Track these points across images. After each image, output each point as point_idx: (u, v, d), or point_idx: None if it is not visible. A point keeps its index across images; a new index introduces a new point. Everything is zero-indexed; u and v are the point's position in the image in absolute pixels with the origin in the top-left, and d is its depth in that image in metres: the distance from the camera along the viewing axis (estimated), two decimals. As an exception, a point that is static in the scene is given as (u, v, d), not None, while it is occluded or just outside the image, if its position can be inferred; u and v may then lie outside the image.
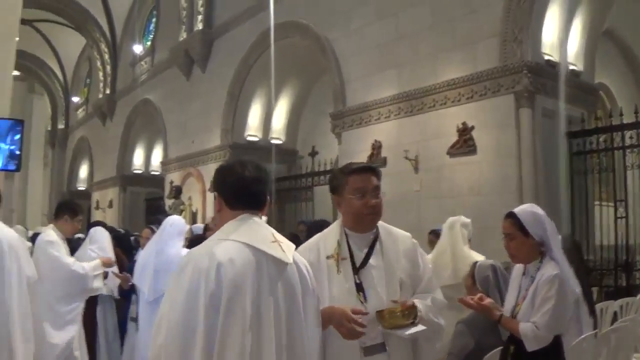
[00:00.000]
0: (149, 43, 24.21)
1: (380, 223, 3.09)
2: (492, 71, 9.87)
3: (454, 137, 10.40)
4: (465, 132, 10.21)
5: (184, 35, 19.73)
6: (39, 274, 5.00)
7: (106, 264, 5.79)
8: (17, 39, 9.14)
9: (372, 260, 2.96)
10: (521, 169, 9.43)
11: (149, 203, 23.51)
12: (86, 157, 31.31)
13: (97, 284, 5.59)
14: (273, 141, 17.03)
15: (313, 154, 15.49)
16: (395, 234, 3.09)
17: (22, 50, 23.14)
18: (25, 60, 29.70)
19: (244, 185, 2.55)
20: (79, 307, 5.55)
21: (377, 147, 12.07)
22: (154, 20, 24.05)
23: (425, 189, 10.93)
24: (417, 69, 11.36)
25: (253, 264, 2.34)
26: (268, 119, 17.03)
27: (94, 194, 28.68)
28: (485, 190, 9.86)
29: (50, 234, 5.54)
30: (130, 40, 25.16)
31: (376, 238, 3.04)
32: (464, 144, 10.21)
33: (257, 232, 2.47)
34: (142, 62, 24.27)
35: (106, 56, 27.09)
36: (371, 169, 3.12)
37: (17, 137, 8.86)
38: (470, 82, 10.23)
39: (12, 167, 9.05)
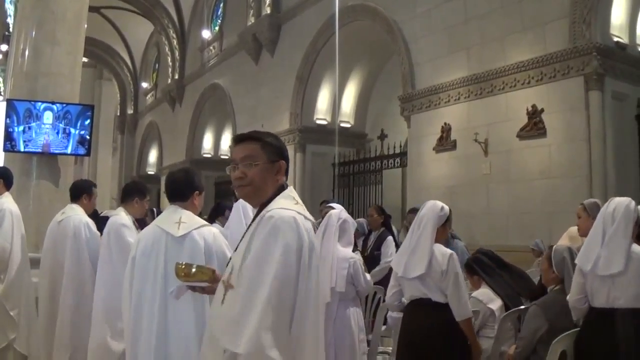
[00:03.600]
0: (217, 28, 24.82)
1: (280, 200, 2.67)
2: (561, 53, 10.06)
3: (523, 120, 10.63)
4: (534, 114, 10.43)
5: (252, 19, 20.23)
6: (111, 256, 5.29)
7: None
8: (86, 25, 9.30)
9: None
10: (591, 152, 9.61)
11: (218, 187, 24.12)
12: (155, 141, 32.29)
13: None
14: (342, 124, 17.43)
15: (382, 137, 15.83)
16: (264, 211, 2.62)
17: (91, 37, 23.91)
18: (93, 47, 30.49)
19: (167, 186, 4.09)
20: None
21: (446, 130, 12.35)
22: (221, 5, 24.71)
23: (495, 172, 11.19)
24: (486, 51, 11.59)
25: (153, 237, 3.78)
26: (337, 102, 17.38)
27: (163, 178, 29.51)
28: (554, 174, 10.08)
29: (124, 217, 5.55)
30: (198, 25, 25.90)
31: (256, 215, 2.71)
32: (534, 126, 10.43)
33: (167, 216, 3.89)
34: (211, 47, 24.92)
35: (174, 42, 27.81)
36: (238, 138, 2.81)
37: (87, 122, 8.94)
38: (539, 64, 10.44)
39: (82, 151, 9.07)
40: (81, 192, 6.40)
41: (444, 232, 5.04)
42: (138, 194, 5.81)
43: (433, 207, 4.97)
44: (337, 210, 5.97)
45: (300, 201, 2.67)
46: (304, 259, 2.48)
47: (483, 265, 5.94)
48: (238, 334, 2.33)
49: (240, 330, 2.33)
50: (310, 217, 2.62)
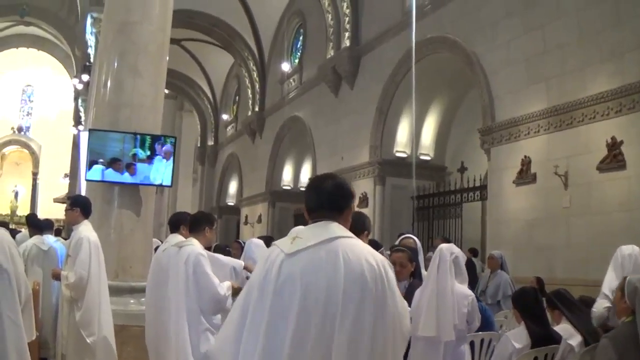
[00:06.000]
0: (297, 61, 25.75)
1: None
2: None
3: (603, 152, 10.77)
4: (614, 146, 10.58)
5: (331, 52, 20.95)
6: (187, 285, 5.68)
7: (235, 289, 6.01)
8: (167, 58, 9.51)
9: None
10: (671, 185, 9.72)
11: (297, 219, 24.51)
12: (235, 173, 33.24)
13: (229, 304, 5.89)
14: (422, 157, 17.83)
15: (462, 169, 16.15)
16: None
17: (172, 69, 24.72)
18: (174, 79, 31.62)
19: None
20: (218, 320, 5.95)
21: (526, 162, 12.54)
22: (301, 38, 25.59)
23: (575, 205, 11.32)
24: (565, 83, 11.81)
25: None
26: (416, 135, 17.76)
27: (243, 209, 30.49)
28: (635, 206, 10.18)
29: (200, 247, 5.88)
30: (278, 58, 26.83)
31: None
32: (614, 159, 10.57)
33: None
34: (291, 80, 25.79)
35: (254, 74, 28.81)
36: None
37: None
38: (618, 96, 10.60)
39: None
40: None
41: None
42: (208, 223, 6.19)
43: None
44: (448, 245, 6.08)
45: (300, 235, 3.07)
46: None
47: (564, 300, 6.04)
48: None
49: None
50: (285, 249, 3.01)
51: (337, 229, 3.02)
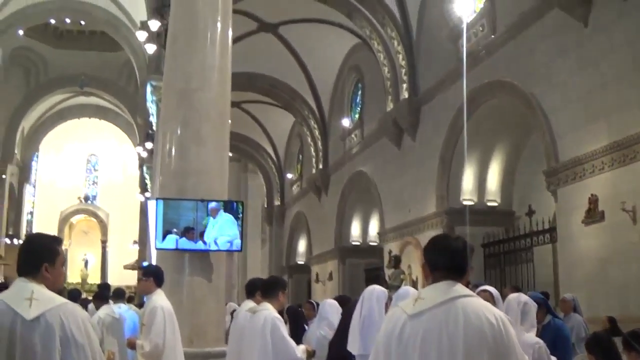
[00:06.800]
0: (356, 116, 26.29)
1: None
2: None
3: (670, 184, 10.85)
4: (679, 177, 10.69)
5: (390, 105, 21.33)
6: (266, 347, 6.01)
7: (309, 353, 6.45)
8: (230, 121, 9.78)
9: None
10: None
11: (368, 273, 24.77)
12: (304, 231, 33.81)
13: None
14: (489, 204, 17.95)
15: (530, 213, 16.18)
16: None
17: (234, 132, 25.19)
18: (237, 142, 32.09)
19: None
20: None
21: (593, 201, 12.53)
22: (359, 93, 26.20)
23: (645, 240, 11.35)
24: (624, 116, 11.88)
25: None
26: (482, 181, 17.99)
27: (313, 267, 30.95)
28: None
29: (274, 311, 6.24)
30: (338, 114, 27.54)
31: None
32: (680, 190, 10.68)
33: None
34: (352, 135, 26.30)
35: (316, 132, 29.46)
36: None
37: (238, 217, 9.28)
38: (678, 125, 10.71)
39: (234, 247, 9.53)
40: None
41: None
42: (281, 288, 6.59)
43: None
44: (515, 295, 6.17)
45: (422, 296, 3.29)
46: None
47: (641, 341, 6.21)
48: None
49: None
50: (408, 311, 3.22)
51: (459, 288, 3.19)
